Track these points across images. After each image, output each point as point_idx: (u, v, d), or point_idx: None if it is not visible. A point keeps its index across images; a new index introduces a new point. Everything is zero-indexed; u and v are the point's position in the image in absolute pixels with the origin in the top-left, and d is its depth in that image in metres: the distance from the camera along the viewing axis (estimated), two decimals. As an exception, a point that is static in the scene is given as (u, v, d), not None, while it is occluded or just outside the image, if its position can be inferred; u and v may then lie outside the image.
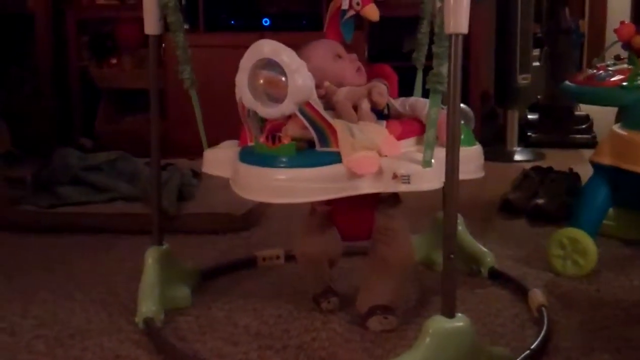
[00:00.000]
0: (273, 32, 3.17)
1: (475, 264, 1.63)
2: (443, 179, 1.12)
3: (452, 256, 1.11)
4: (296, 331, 1.37)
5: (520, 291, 1.52)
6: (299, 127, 1.19)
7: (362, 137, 1.18)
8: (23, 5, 3.37)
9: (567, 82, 1.79)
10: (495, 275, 1.61)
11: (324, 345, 1.31)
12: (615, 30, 1.66)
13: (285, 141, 1.17)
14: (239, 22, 3.33)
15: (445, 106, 1.11)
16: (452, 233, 1.13)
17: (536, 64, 3.27)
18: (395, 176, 1.16)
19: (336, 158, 1.16)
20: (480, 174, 1.34)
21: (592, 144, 3.23)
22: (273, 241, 1.85)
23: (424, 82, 1.21)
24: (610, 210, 1.80)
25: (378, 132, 1.22)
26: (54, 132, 3.34)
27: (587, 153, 1.86)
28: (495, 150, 3.12)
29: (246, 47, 1.19)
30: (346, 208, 1.32)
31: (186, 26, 2.99)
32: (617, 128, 1.68)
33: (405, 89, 1.45)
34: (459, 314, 1.13)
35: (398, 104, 1.35)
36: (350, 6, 1.37)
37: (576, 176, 2.23)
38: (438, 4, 1.14)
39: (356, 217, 1.35)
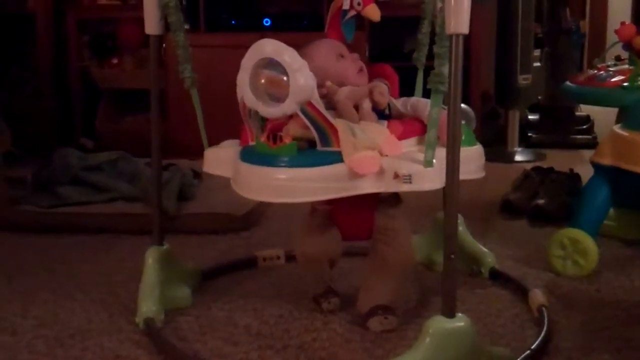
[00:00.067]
0: (274, 32, 3.17)
1: (475, 264, 1.63)
2: (444, 179, 1.12)
3: (452, 256, 1.11)
4: (296, 331, 1.37)
5: (521, 291, 1.52)
6: (300, 126, 1.19)
7: (364, 137, 1.18)
8: (23, 5, 3.36)
9: (567, 83, 1.79)
10: (496, 276, 1.61)
11: (325, 346, 1.31)
12: (616, 31, 1.66)
13: (287, 141, 1.17)
14: (239, 22, 3.33)
15: (446, 106, 1.11)
16: (452, 233, 1.13)
17: (537, 64, 3.27)
18: (396, 176, 1.16)
19: (337, 158, 1.16)
20: (481, 174, 1.34)
21: (592, 144, 3.23)
22: (273, 241, 1.85)
23: (425, 82, 1.21)
24: (611, 210, 1.80)
25: (379, 131, 1.22)
26: (55, 132, 3.34)
27: (588, 153, 1.86)
28: (495, 151, 3.12)
29: (247, 47, 1.19)
30: (347, 208, 1.32)
31: (187, 26, 2.99)
32: (617, 128, 1.68)
33: (406, 89, 1.45)
34: (460, 314, 1.13)
35: (399, 104, 1.35)
36: (352, 6, 1.37)
37: (577, 176, 2.24)
38: (439, 5, 1.14)
39: (357, 217, 1.35)
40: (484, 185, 1.41)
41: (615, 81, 1.65)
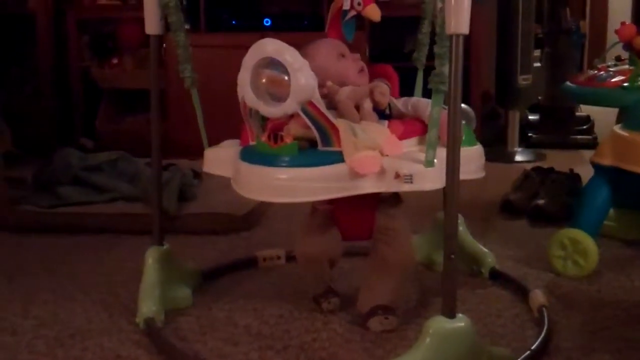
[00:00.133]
0: (274, 32, 3.16)
1: (475, 265, 1.62)
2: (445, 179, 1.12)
3: (452, 256, 1.11)
4: (297, 331, 1.36)
5: (521, 292, 1.52)
6: (301, 126, 1.19)
7: (365, 137, 1.18)
8: (24, 5, 3.36)
9: (568, 83, 1.79)
10: (496, 276, 1.61)
11: (325, 346, 1.31)
12: (616, 31, 1.66)
13: (288, 140, 1.17)
14: (240, 23, 3.33)
15: (447, 106, 1.11)
16: (452, 233, 1.13)
17: (537, 64, 3.27)
18: (397, 176, 1.16)
19: (338, 157, 1.16)
20: (481, 174, 1.34)
21: (593, 144, 3.23)
22: (274, 241, 1.85)
23: (425, 83, 1.21)
24: (611, 210, 1.80)
25: (380, 131, 1.22)
26: (55, 132, 3.34)
27: (588, 154, 1.86)
28: (496, 151, 3.12)
29: (247, 48, 1.19)
30: (347, 208, 1.32)
31: (187, 26, 2.98)
32: (618, 129, 1.68)
33: (406, 89, 1.45)
34: (460, 315, 1.13)
35: (400, 103, 1.35)
36: (352, 6, 1.37)
37: (577, 177, 2.24)
38: (439, 5, 1.14)
39: (357, 217, 1.35)
40: (484, 185, 1.41)
41: (615, 81, 1.65)
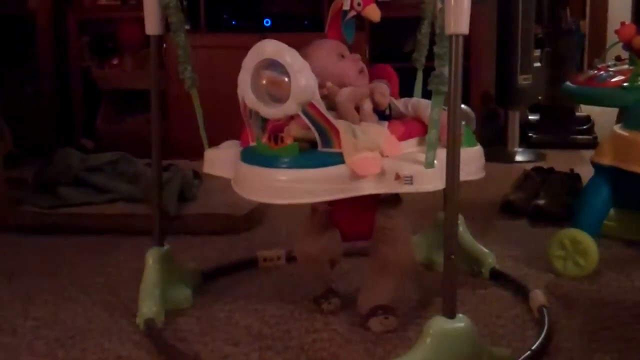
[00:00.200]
0: (274, 32, 3.16)
1: (476, 265, 1.62)
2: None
3: (452, 257, 1.11)
4: (297, 332, 1.37)
5: (521, 292, 1.52)
6: (302, 127, 1.19)
7: (365, 138, 1.18)
8: (24, 6, 3.36)
9: (568, 83, 1.79)
10: (496, 276, 1.61)
11: (325, 346, 1.31)
12: (616, 31, 1.66)
13: (288, 141, 1.17)
14: (240, 23, 3.33)
15: (446, 107, 1.11)
16: (453, 233, 1.13)
17: (537, 64, 3.27)
18: (397, 177, 1.16)
19: (339, 159, 1.16)
20: (480, 175, 1.34)
21: (593, 144, 3.23)
22: (274, 242, 1.85)
23: (425, 83, 1.21)
24: (611, 210, 1.80)
25: (380, 132, 1.22)
26: (55, 132, 3.33)
27: (588, 154, 1.86)
28: (496, 151, 3.12)
29: (247, 48, 1.19)
30: (347, 208, 1.32)
31: (188, 27, 2.99)
32: (618, 129, 1.68)
33: (406, 90, 1.45)
34: (460, 315, 1.13)
35: (400, 104, 1.35)
36: (352, 7, 1.37)
37: (577, 177, 2.24)
38: (439, 5, 1.14)
39: (357, 218, 1.35)
40: (484, 185, 1.41)
41: (615, 81, 1.65)
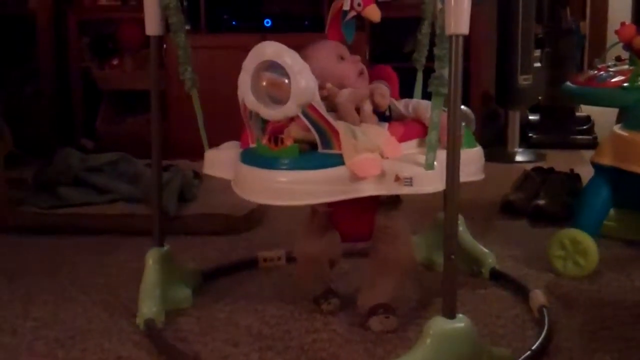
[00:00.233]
0: (274, 33, 3.17)
1: (476, 265, 1.63)
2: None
3: (452, 257, 1.11)
4: (297, 332, 1.37)
5: (521, 292, 1.52)
6: (302, 128, 1.19)
7: (365, 139, 1.18)
8: (24, 6, 3.36)
9: (568, 83, 1.79)
10: (496, 276, 1.61)
11: (325, 346, 1.31)
12: (616, 31, 1.66)
13: (288, 143, 1.17)
14: (240, 23, 3.33)
15: (446, 109, 1.11)
16: (453, 234, 1.13)
17: (537, 64, 3.27)
18: (397, 178, 1.16)
19: (339, 160, 1.16)
20: (480, 176, 1.34)
21: (593, 144, 3.23)
22: (274, 242, 1.84)
23: (425, 84, 1.21)
24: (611, 210, 1.80)
25: (380, 134, 1.22)
26: (55, 132, 3.33)
27: (588, 154, 1.86)
28: (496, 151, 3.12)
29: (248, 49, 1.19)
30: (347, 210, 1.32)
31: (188, 27, 2.99)
32: (618, 129, 1.68)
33: (406, 90, 1.45)
34: (460, 315, 1.13)
35: (401, 105, 1.35)
36: (352, 7, 1.37)
37: (577, 177, 2.24)
38: (439, 5, 1.14)
39: (357, 219, 1.35)
40: (484, 185, 1.40)
41: (615, 81, 1.65)
